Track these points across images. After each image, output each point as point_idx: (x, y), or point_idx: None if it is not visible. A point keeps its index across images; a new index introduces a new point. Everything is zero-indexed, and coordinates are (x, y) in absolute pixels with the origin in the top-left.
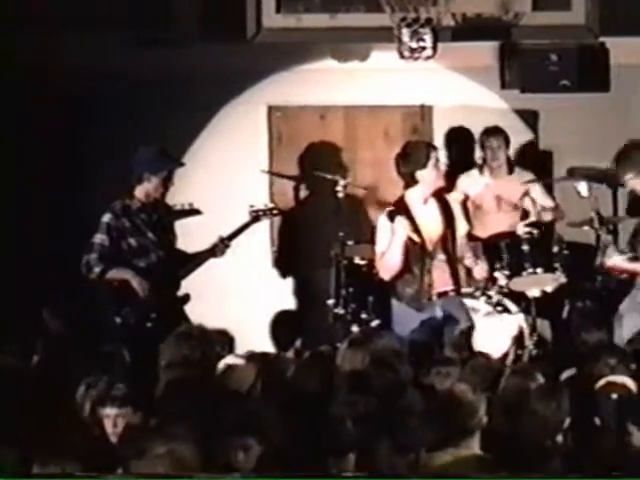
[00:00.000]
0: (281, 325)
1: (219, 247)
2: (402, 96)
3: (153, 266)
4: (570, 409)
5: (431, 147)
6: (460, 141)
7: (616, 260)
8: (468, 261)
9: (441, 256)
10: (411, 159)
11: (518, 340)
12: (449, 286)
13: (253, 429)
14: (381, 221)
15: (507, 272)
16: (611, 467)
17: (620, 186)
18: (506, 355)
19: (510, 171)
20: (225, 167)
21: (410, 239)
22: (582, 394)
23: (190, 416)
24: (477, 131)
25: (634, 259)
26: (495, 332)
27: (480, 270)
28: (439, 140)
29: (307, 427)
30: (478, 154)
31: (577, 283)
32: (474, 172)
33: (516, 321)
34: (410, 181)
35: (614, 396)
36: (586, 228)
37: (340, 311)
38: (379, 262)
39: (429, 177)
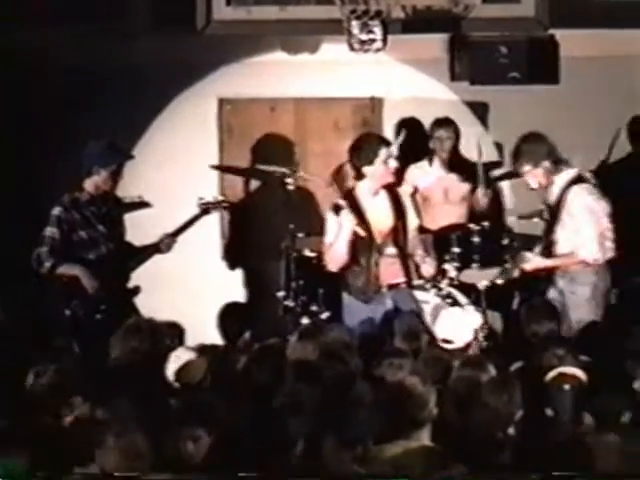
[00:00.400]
0: (230, 317)
1: (165, 242)
2: (352, 88)
3: (103, 258)
4: (522, 401)
5: (383, 143)
6: (411, 132)
7: (534, 261)
8: (418, 258)
9: (392, 249)
10: (361, 154)
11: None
12: (400, 278)
13: (202, 420)
14: (330, 213)
15: (457, 264)
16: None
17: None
18: (468, 346)
19: (460, 163)
20: (175, 159)
21: (356, 233)
22: (533, 386)
23: (140, 408)
24: (428, 123)
25: (548, 254)
26: (458, 323)
27: (427, 268)
28: (389, 132)
29: (256, 419)
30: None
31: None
32: (424, 163)
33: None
34: (359, 175)
35: (566, 387)
36: (536, 220)
37: (290, 303)
38: (326, 254)
39: (376, 173)
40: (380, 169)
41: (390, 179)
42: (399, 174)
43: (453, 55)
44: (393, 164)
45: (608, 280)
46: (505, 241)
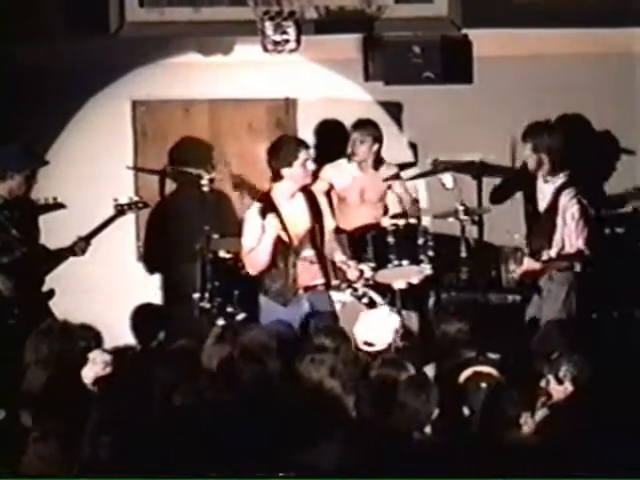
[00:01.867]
0: (143, 318)
1: (78, 245)
2: (266, 89)
3: (17, 262)
4: (438, 400)
5: (302, 145)
6: (330, 134)
7: (528, 263)
8: (340, 263)
9: (309, 251)
10: (280, 155)
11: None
12: (317, 280)
13: (115, 425)
14: (250, 216)
15: (373, 264)
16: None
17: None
18: (388, 348)
19: (377, 165)
20: (90, 161)
21: (279, 237)
22: (449, 385)
23: (53, 412)
24: (344, 124)
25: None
26: (377, 325)
27: (353, 272)
28: (304, 134)
29: (173, 422)
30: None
31: (442, 275)
32: (342, 162)
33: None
34: (277, 176)
35: (483, 385)
36: (451, 220)
37: (206, 305)
38: (246, 257)
39: (294, 176)
40: (299, 171)
41: (308, 181)
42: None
43: (367, 55)
44: (311, 166)
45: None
46: (420, 241)
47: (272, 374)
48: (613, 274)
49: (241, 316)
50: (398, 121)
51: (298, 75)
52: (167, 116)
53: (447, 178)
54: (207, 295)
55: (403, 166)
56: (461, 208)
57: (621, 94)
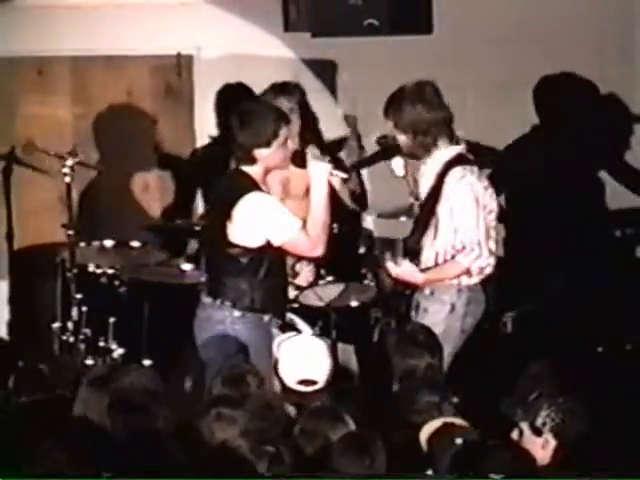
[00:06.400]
0: None
1: None
2: (151, 42)
3: None
4: (389, 465)
5: (283, 118)
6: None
7: (405, 268)
8: None
9: None
10: (254, 129)
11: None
12: None
13: None
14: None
15: (313, 266)
16: None
17: None
18: (319, 391)
19: (304, 146)
20: None
21: None
22: (406, 442)
23: None
24: (259, 88)
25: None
26: (304, 360)
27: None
28: (202, 103)
29: None
30: None
31: (392, 294)
32: None
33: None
34: (246, 158)
35: (458, 441)
36: (404, 219)
37: (70, 338)
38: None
39: (271, 158)
40: (278, 153)
41: (285, 167)
42: None
43: None
44: (292, 147)
45: (481, 304)
46: (362, 248)
47: (162, 430)
48: None
49: (118, 353)
50: (331, 86)
51: (194, 23)
52: (13, 80)
53: (396, 162)
54: (71, 325)
55: (337, 145)
56: (416, 203)
57: None
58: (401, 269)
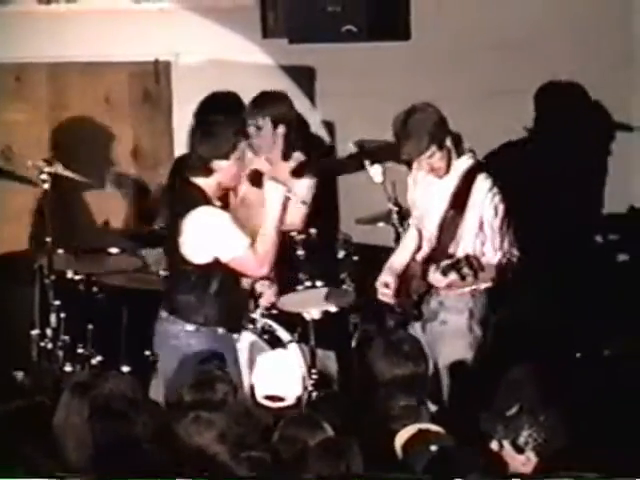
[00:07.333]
0: None
1: None
2: (129, 48)
3: None
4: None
5: (241, 132)
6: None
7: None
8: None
9: None
10: (213, 140)
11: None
12: None
13: None
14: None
15: (275, 286)
16: None
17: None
18: (299, 402)
19: (287, 155)
20: None
21: None
22: (382, 448)
23: None
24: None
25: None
26: (282, 371)
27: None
28: (182, 110)
29: None
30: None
31: (370, 300)
32: None
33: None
34: (205, 170)
35: (433, 448)
36: (381, 225)
37: (48, 345)
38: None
39: (227, 172)
40: (234, 167)
41: (238, 182)
42: None
43: (264, 3)
44: (249, 161)
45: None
46: (340, 254)
47: (141, 436)
48: None
49: (97, 360)
50: (309, 92)
51: (172, 30)
52: None
53: (375, 169)
54: (50, 331)
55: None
56: (395, 209)
57: None
58: (448, 279)
